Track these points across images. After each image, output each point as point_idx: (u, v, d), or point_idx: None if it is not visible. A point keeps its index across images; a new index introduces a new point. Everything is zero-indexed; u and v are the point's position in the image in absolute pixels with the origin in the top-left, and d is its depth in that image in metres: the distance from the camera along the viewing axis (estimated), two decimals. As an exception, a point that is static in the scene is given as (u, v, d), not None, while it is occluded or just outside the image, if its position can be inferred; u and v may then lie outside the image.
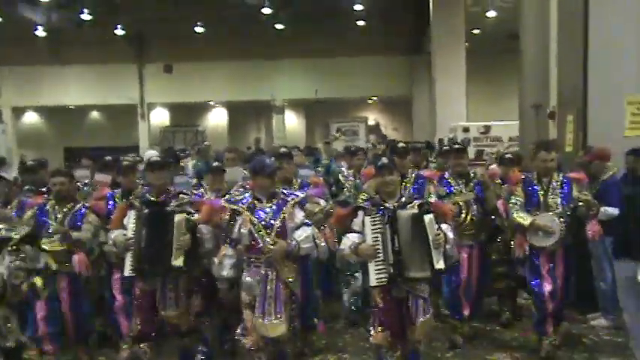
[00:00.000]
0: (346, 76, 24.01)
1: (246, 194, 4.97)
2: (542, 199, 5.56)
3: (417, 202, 4.73)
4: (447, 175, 6.05)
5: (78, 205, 5.57)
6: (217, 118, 28.03)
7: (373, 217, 4.61)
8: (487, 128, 18.87)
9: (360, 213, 4.72)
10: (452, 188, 5.92)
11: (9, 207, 5.85)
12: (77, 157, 22.47)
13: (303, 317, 5.31)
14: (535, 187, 5.63)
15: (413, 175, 5.94)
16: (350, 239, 4.64)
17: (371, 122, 26.86)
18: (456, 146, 6.21)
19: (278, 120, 25.32)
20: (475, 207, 5.87)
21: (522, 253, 5.60)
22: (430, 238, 4.47)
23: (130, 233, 4.83)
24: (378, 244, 4.54)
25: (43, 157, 17.98)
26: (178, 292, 4.85)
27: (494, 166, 7.02)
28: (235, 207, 4.80)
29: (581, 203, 5.46)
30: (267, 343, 4.80)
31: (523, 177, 5.75)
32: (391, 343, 4.69)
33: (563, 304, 5.73)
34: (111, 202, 5.57)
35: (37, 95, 23.93)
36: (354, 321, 6.41)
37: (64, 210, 5.50)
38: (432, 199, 5.17)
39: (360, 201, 4.92)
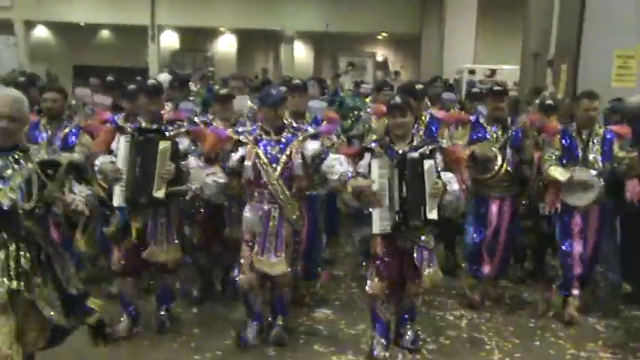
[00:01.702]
0: (357, 10, 23.15)
1: (254, 125, 4.54)
2: (580, 153, 5.01)
3: (429, 147, 4.31)
4: (481, 119, 5.33)
5: (71, 125, 5.15)
6: (226, 45, 27.20)
7: (381, 161, 4.20)
8: (492, 72, 18.32)
9: (367, 155, 4.31)
10: (487, 134, 5.21)
11: None
12: (86, 75, 21.97)
13: (307, 263, 4.94)
14: (574, 140, 5.06)
15: (427, 116, 5.37)
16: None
17: (379, 58, 26.17)
18: (496, 88, 5.39)
19: (287, 50, 24.61)
20: (512, 157, 5.16)
21: (554, 210, 5.08)
22: (427, 185, 4.07)
23: (120, 161, 4.37)
24: (384, 190, 4.15)
25: (49, 71, 17.67)
26: (169, 227, 4.48)
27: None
28: (241, 137, 4.38)
29: (625, 161, 4.84)
30: (262, 285, 4.47)
31: (561, 128, 5.18)
32: (387, 295, 4.37)
33: (592, 267, 5.26)
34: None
35: (49, 10, 23.07)
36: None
37: (55, 129, 5.08)
38: (445, 143, 4.71)
39: (368, 141, 4.46)
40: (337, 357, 4.54)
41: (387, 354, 4.39)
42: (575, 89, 7.55)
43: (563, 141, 5.07)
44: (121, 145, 4.40)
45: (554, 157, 5.02)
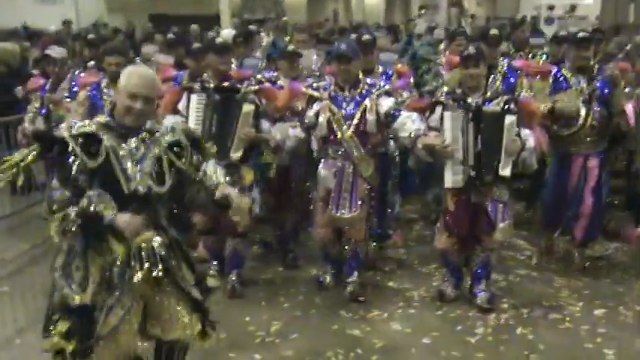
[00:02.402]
0: (430, -53, 22.16)
1: (328, 81, 4.46)
2: None
3: (503, 98, 4.12)
4: (563, 69, 4.80)
5: None
6: (297, -12, 26.77)
7: (453, 114, 4.05)
8: (573, 7, 17.35)
9: (439, 108, 4.17)
10: (569, 84, 4.69)
11: (60, 87, 5.47)
12: (161, 23, 22.19)
13: (379, 224, 4.88)
14: None
15: (504, 65, 5.01)
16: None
17: (453, -5, 25.15)
18: (581, 35, 4.77)
19: (358, -8, 24.00)
20: (598, 110, 4.65)
21: None
22: (504, 141, 3.93)
23: (192, 121, 4.30)
24: (457, 143, 4.02)
25: (130, 22, 17.97)
26: (244, 186, 4.34)
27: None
28: (315, 94, 4.32)
29: None
30: (337, 240, 4.48)
31: None
32: (458, 250, 4.28)
33: None
34: (178, 87, 4.87)
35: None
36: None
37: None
38: (523, 95, 4.46)
39: (440, 94, 4.30)
40: (410, 293, 4.62)
41: (456, 292, 4.41)
42: None
43: None
44: (193, 103, 4.32)
45: None
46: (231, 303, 4.46)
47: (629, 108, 4.59)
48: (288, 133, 4.37)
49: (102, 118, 2.77)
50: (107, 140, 2.69)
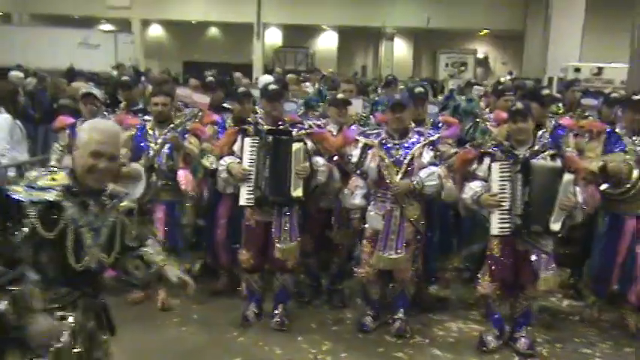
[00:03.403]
0: (459, 6, 22.77)
1: (380, 129, 4.66)
2: None
3: (549, 152, 4.27)
4: (618, 129, 4.78)
5: (179, 128, 4.92)
6: (327, 42, 27.51)
7: (502, 164, 4.21)
8: (600, 70, 17.56)
9: (487, 159, 4.32)
10: (623, 145, 4.64)
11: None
12: (195, 70, 22.81)
13: (426, 267, 4.91)
14: None
15: (552, 122, 5.09)
16: (472, 188, 4.27)
17: (480, 55, 25.64)
18: (636, 97, 4.76)
19: (387, 47, 24.60)
20: None
21: None
22: (560, 195, 4.03)
23: (246, 161, 4.46)
24: (504, 193, 4.16)
25: (166, 69, 18.52)
26: (292, 225, 4.50)
27: None
28: (368, 141, 4.52)
29: None
30: (381, 280, 4.60)
31: None
32: (500, 296, 4.38)
33: None
34: (222, 130, 5.03)
35: (164, 9, 24.20)
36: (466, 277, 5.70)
37: (165, 132, 4.82)
38: (569, 152, 4.61)
39: (488, 146, 4.47)
40: (448, 324, 4.82)
41: (497, 343, 4.39)
42: None
43: None
44: (246, 146, 4.48)
45: None
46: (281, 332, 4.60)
47: None
48: (355, 192, 4.50)
49: (64, 179, 2.38)
50: (69, 209, 2.34)
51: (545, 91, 5.22)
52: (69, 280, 2.39)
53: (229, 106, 5.63)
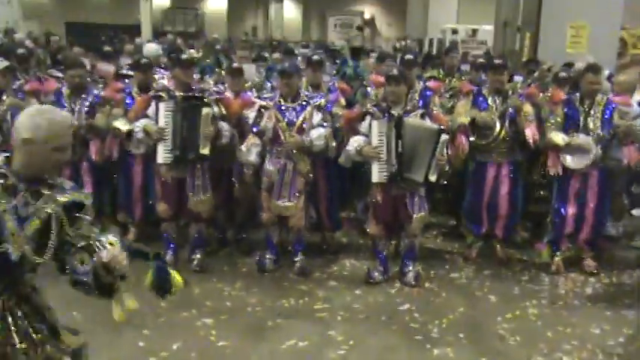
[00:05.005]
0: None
1: (274, 93, 5.29)
2: (582, 121, 5.25)
3: (419, 112, 5.05)
4: (483, 90, 5.54)
5: (91, 95, 5.50)
6: (216, 3, 27.30)
7: (380, 121, 4.92)
8: (474, 31, 18.88)
9: (368, 117, 5.02)
10: (486, 104, 5.44)
11: (3, 96, 5.41)
12: (78, 32, 22.06)
13: (330, 218, 5.75)
14: (576, 109, 5.31)
15: (420, 86, 5.81)
16: (356, 141, 4.97)
17: (366, 16, 26.47)
18: (496, 62, 5.67)
19: (277, 9, 24.83)
20: (509, 126, 5.37)
21: (556, 173, 5.30)
22: (437, 154, 4.78)
23: (161, 123, 4.97)
24: (382, 146, 4.88)
25: (48, 32, 17.90)
26: (205, 180, 5.12)
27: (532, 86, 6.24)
28: (264, 103, 5.12)
29: (622, 129, 5.11)
30: (279, 225, 5.27)
31: (565, 97, 5.42)
32: (385, 235, 5.17)
33: (596, 230, 5.45)
34: (128, 96, 5.54)
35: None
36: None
37: (79, 100, 5.44)
38: (435, 110, 5.41)
39: (368, 106, 5.17)
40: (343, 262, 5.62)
41: (383, 278, 5.15)
42: (536, 53, 8.65)
43: (566, 109, 5.31)
44: (161, 110, 4.99)
45: (555, 124, 5.28)
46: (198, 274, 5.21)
47: (528, 132, 5.26)
48: (251, 149, 5.05)
49: None
50: None
51: (408, 56, 5.99)
52: None
53: (129, 73, 6.14)
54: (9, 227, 2.20)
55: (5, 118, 5.30)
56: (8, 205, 2.22)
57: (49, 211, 2.27)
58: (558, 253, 5.51)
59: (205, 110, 4.95)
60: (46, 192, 2.29)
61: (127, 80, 6.09)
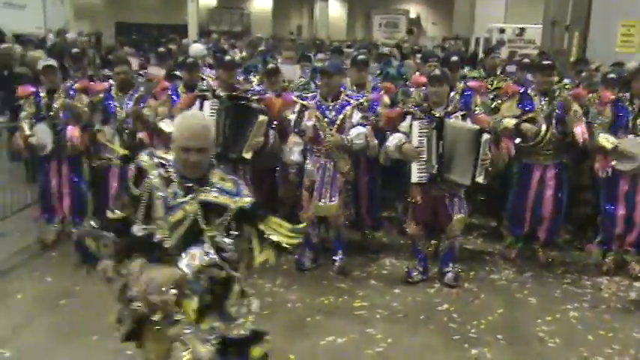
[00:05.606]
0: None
1: (315, 92, 5.35)
2: (631, 122, 5.20)
3: (460, 113, 5.05)
4: (530, 90, 5.48)
5: (139, 93, 5.60)
6: (262, 3, 27.63)
7: (421, 122, 4.95)
8: (522, 31, 18.61)
9: (409, 117, 5.05)
10: (533, 105, 5.37)
11: (56, 94, 5.60)
12: (128, 31, 22.60)
13: (372, 214, 5.79)
14: (625, 109, 5.25)
15: (461, 86, 5.78)
16: (396, 138, 4.96)
17: (412, 15, 26.37)
18: (545, 62, 5.57)
19: (322, 8, 24.95)
20: (556, 126, 5.31)
21: (605, 175, 5.28)
22: (481, 154, 4.74)
23: None
24: (422, 147, 4.91)
25: (98, 31, 18.42)
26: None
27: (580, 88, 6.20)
28: (305, 102, 5.19)
29: None
30: (319, 224, 5.35)
31: (615, 97, 5.35)
32: (424, 235, 5.21)
33: None
34: (174, 95, 5.66)
35: (93, -32, 23.65)
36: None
37: (126, 97, 5.55)
38: (477, 111, 5.38)
39: (410, 106, 5.20)
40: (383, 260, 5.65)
41: (422, 278, 5.18)
42: (584, 52, 8.48)
43: (615, 109, 5.26)
44: (206, 108, 5.06)
45: (604, 125, 5.24)
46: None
47: (578, 130, 5.17)
48: (293, 149, 5.14)
49: (166, 155, 2.77)
50: (154, 177, 2.68)
51: (454, 58, 5.95)
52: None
53: (179, 74, 6.32)
54: (158, 213, 2.64)
55: (59, 116, 5.56)
56: (160, 194, 2.65)
57: (187, 207, 2.65)
58: (609, 254, 5.49)
59: (261, 118, 5.00)
60: (196, 188, 2.65)
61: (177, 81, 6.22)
